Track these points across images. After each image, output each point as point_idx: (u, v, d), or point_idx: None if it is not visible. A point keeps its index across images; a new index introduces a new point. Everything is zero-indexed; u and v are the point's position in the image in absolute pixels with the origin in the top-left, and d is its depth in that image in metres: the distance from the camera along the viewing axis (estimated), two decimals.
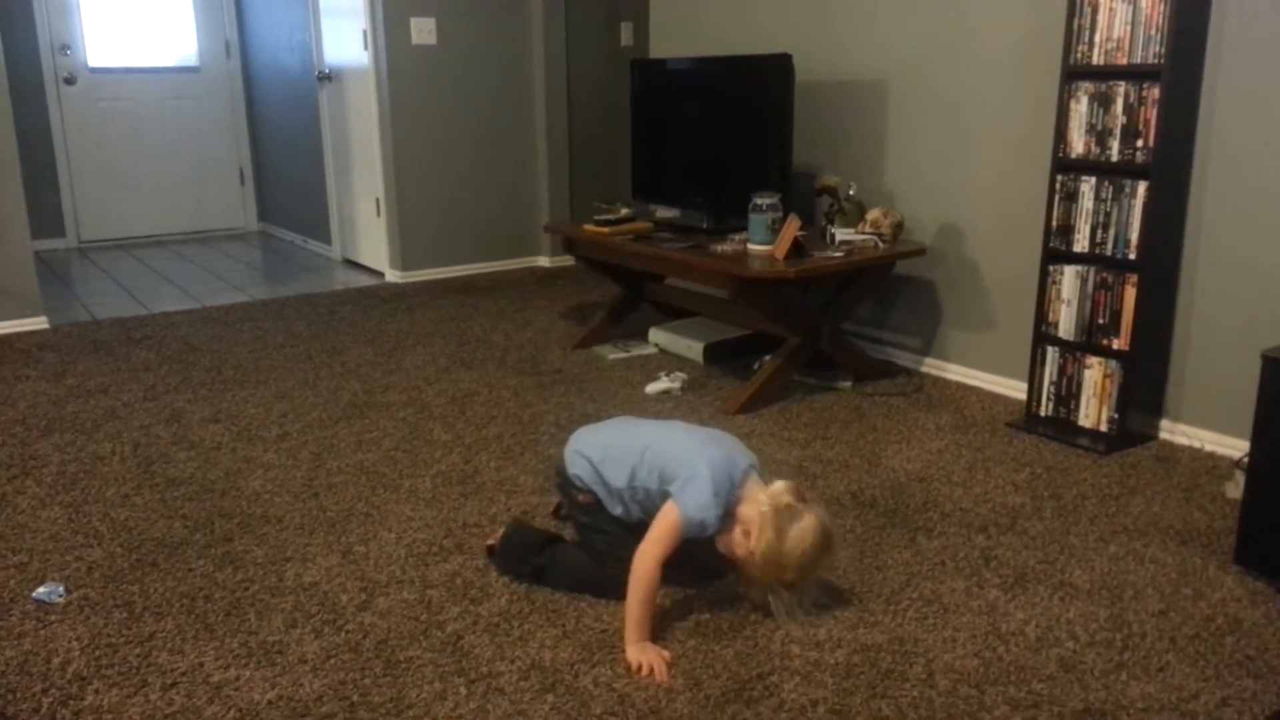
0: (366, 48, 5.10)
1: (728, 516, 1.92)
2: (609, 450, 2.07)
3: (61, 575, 2.16)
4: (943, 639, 1.90)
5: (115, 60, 6.39)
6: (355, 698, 1.73)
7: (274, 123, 6.64)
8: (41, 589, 2.08)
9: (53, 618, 1.99)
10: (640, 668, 1.80)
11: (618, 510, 2.06)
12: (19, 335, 4.14)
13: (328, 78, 5.62)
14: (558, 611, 2.00)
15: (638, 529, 1.98)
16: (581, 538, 2.15)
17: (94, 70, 6.31)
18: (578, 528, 2.17)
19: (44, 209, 6.14)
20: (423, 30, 5.05)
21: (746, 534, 1.89)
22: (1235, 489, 2.45)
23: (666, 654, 1.84)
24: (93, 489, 2.62)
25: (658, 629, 1.92)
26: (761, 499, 1.89)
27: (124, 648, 1.89)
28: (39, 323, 4.26)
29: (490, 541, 2.23)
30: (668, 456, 1.99)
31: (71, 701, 1.73)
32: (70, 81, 6.23)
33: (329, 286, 5.19)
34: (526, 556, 2.12)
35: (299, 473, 2.71)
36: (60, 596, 2.07)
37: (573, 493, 2.11)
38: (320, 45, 5.65)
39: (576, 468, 2.09)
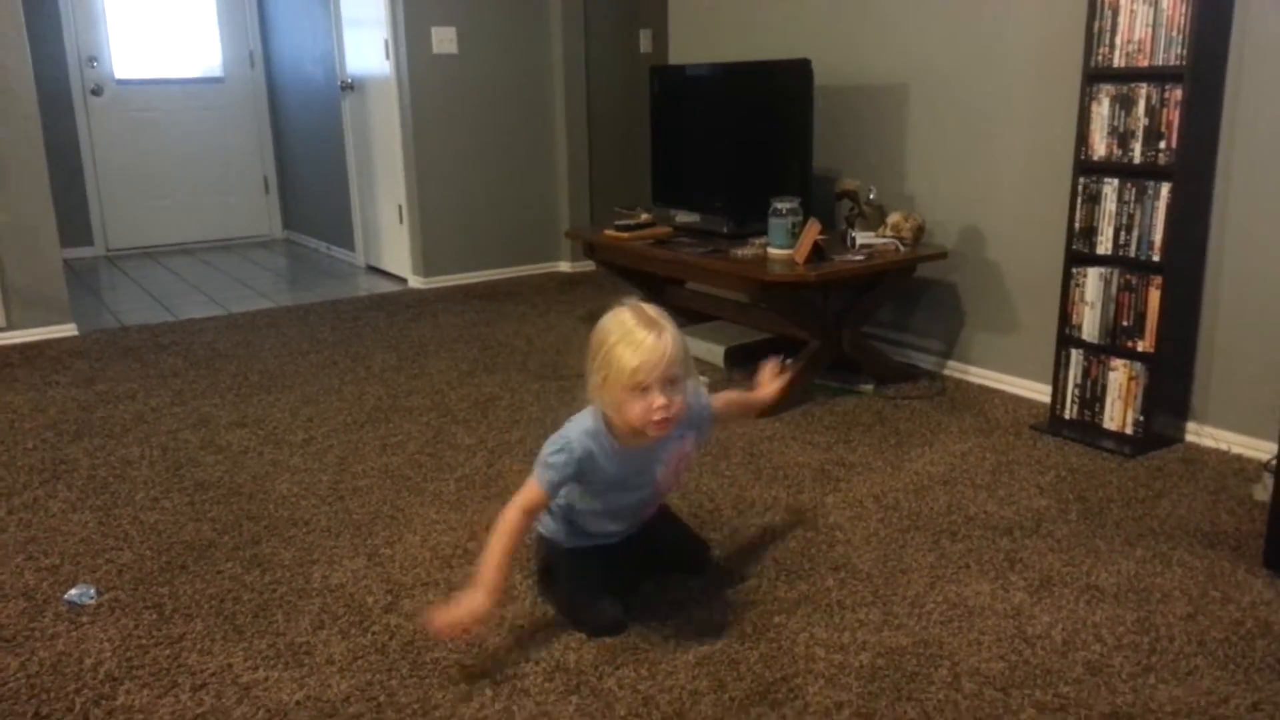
0: (388, 57, 5.14)
1: (604, 435, 1.89)
2: None
3: (92, 578, 2.19)
4: (968, 642, 1.90)
5: (141, 72, 6.48)
6: (382, 698, 1.75)
7: (298, 132, 6.71)
8: (73, 591, 2.11)
9: (84, 619, 2.02)
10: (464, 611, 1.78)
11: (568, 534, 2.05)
12: (49, 342, 4.19)
13: (350, 87, 5.67)
14: None
15: (642, 547, 2.05)
16: (555, 580, 2.10)
17: (121, 81, 6.40)
18: (551, 572, 2.12)
19: (72, 218, 6.22)
20: (443, 39, 5.09)
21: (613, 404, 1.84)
22: (1263, 491, 2.43)
23: (483, 613, 1.79)
24: (122, 493, 2.65)
25: (687, 632, 1.92)
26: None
27: (154, 649, 1.91)
28: (68, 329, 4.32)
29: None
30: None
31: (104, 701, 1.75)
32: (97, 93, 6.31)
33: (353, 293, 5.24)
34: (540, 579, 2.13)
35: (325, 476, 2.74)
36: (91, 598, 2.09)
37: (543, 548, 2.12)
38: (343, 55, 5.70)
39: (540, 525, 2.09)
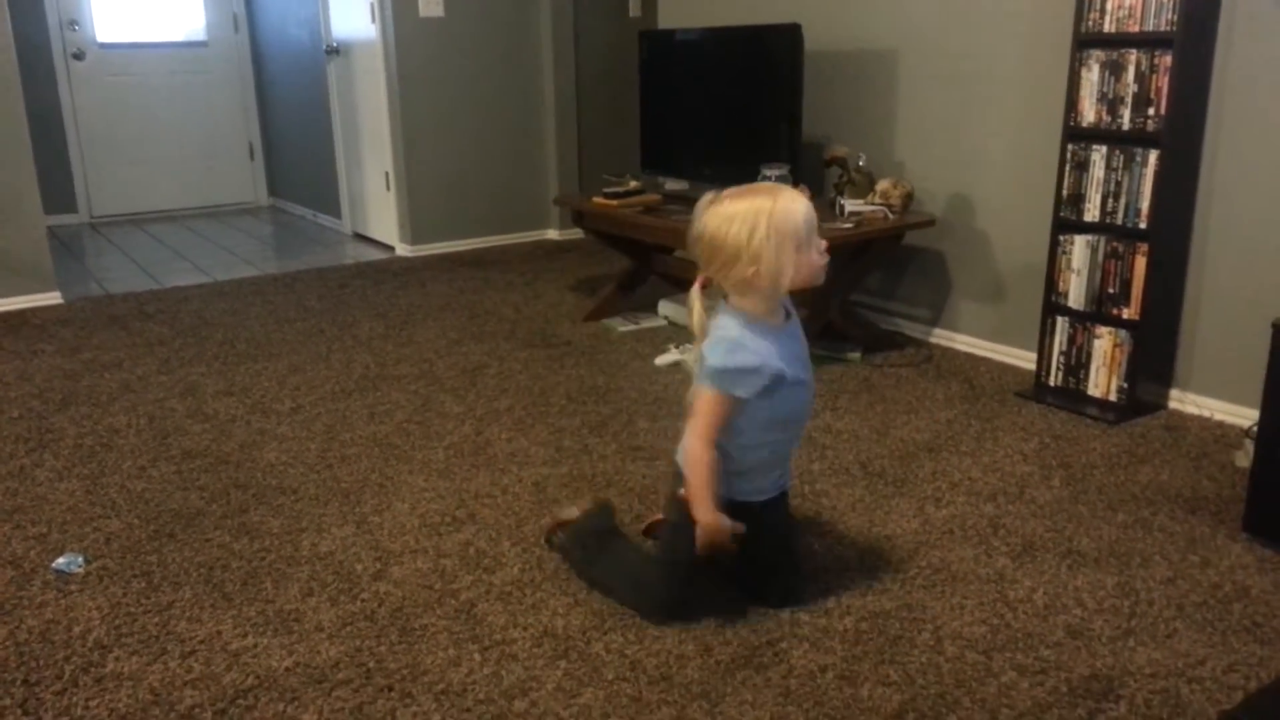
0: (374, 20, 5.08)
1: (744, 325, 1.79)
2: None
3: (80, 546, 2.19)
4: (951, 606, 1.92)
5: (124, 36, 6.39)
6: (371, 664, 1.76)
7: (283, 97, 6.63)
8: (61, 559, 2.12)
9: (73, 588, 2.03)
10: (708, 533, 1.79)
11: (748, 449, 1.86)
12: (34, 310, 4.17)
13: (336, 51, 5.61)
14: (569, 580, 2.03)
15: (757, 551, 1.92)
16: (663, 540, 1.97)
17: (103, 45, 6.31)
18: (668, 529, 1.95)
19: (56, 185, 6.15)
20: (431, 2, 5.03)
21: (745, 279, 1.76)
22: (1244, 458, 2.45)
23: (740, 526, 1.82)
24: (109, 461, 2.65)
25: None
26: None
27: (143, 616, 1.92)
28: (53, 298, 4.29)
29: (562, 518, 2.11)
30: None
31: (93, 669, 1.76)
32: (79, 57, 6.23)
33: (339, 260, 5.21)
34: (584, 541, 2.01)
35: (313, 445, 2.74)
36: (80, 567, 2.10)
37: (676, 486, 1.89)
38: (328, 18, 5.63)
39: (681, 454, 1.88)
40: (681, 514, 1.85)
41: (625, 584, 1.93)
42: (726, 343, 1.77)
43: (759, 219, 1.72)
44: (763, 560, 1.94)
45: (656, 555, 2.00)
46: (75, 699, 1.69)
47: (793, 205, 1.75)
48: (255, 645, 1.82)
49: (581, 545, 2.02)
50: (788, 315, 1.88)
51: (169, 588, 2.02)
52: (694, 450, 1.79)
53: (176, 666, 1.76)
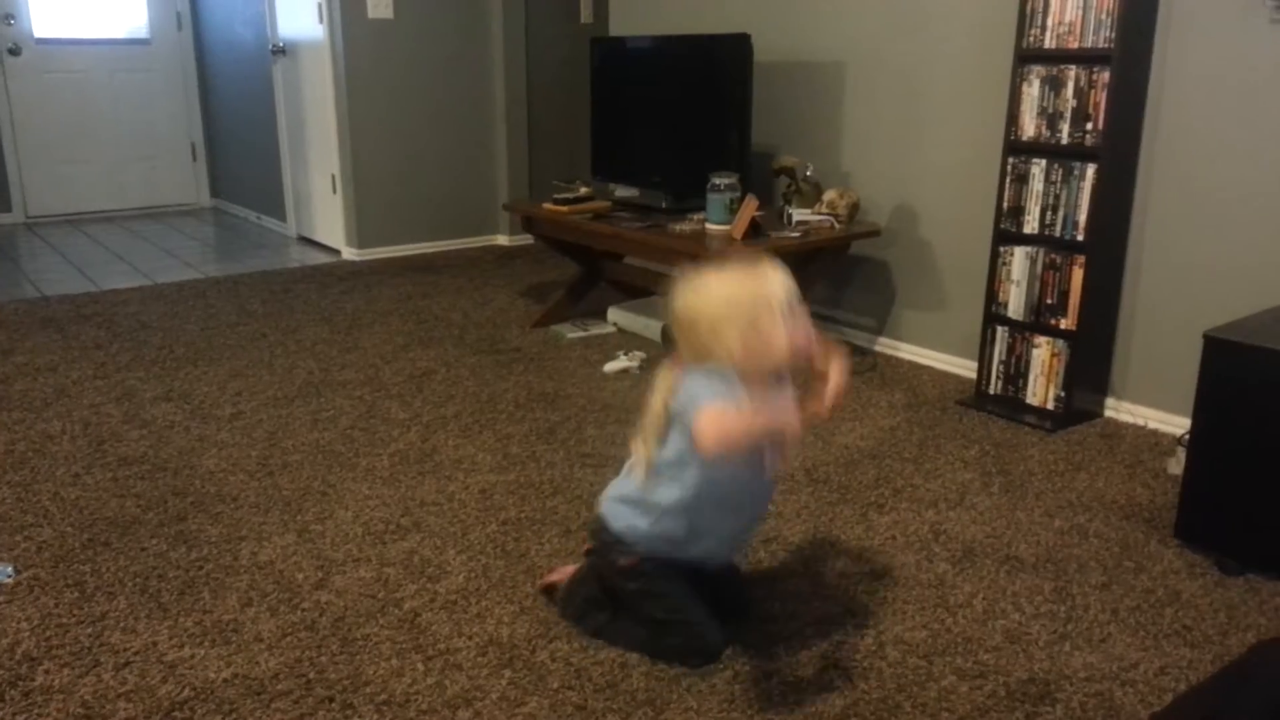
0: (321, 21, 5.02)
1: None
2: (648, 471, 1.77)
3: (10, 555, 2.13)
4: (892, 611, 1.94)
5: (62, 31, 6.23)
6: (312, 675, 1.73)
7: (227, 97, 6.52)
8: None
9: (1, 599, 1.97)
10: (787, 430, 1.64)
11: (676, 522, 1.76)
12: None
13: (282, 51, 5.53)
14: (515, 588, 2.02)
15: (697, 580, 1.82)
16: (631, 606, 1.84)
17: (40, 41, 6.15)
18: (625, 596, 1.84)
19: None
20: (379, 3, 4.98)
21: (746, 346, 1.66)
22: (1177, 465, 2.52)
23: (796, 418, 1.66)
24: (42, 468, 2.58)
25: None
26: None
27: (75, 628, 1.87)
28: None
29: (551, 579, 2.00)
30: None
31: (20, 683, 1.71)
32: (15, 52, 6.06)
33: (284, 264, 5.13)
34: (591, 612, 1.88)
35: (254, 451, 2.69)
36: (9, 577, 2.04)
37: (613, 558, 1.82)
38: (274, 18, 5.55)
39: (620, 521, 1.80)
40: (634, 578, 1.80)
41: (652, 649, 1.81)
42: (697, 381, 1.67)
43: (729, 307, 1.65)
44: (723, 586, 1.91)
45: (635, 620, 1.84)
46: (2, 714, 1.63)
47: (766, 287, 1.65)
48: (192, 656, 1.79)
49: (579, 614, 1.90)
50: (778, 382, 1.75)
51: (103, 598, 1.98)
52: (718, 422, 1.58)
53: (110, 679, 1.72)
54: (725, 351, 1.65)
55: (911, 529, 2.29)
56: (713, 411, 1.59)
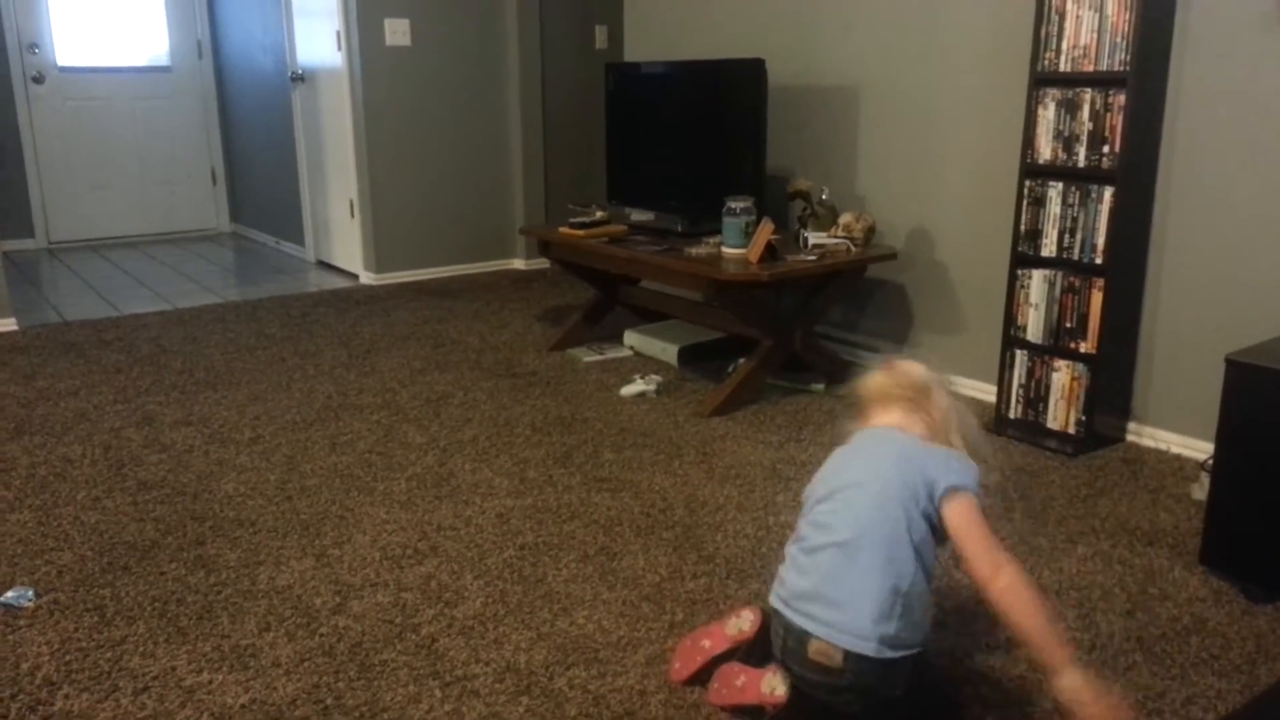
0: (340, 48, 5.07)
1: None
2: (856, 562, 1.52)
3: (31, 579, 2.14)
4: None
5: (85, 59, 6.33)
6: (329, 701, 1.73)
7: (246, 123, 6.60)
8: (10, 593, 2.06)
9: (21, 622, 1.98)
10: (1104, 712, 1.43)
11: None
12: None
13: (301, 78, 5.59)
14: (532, 614, 2.01)
15: (916, 668, 1.54)
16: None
17: (63, 69, 6.24)
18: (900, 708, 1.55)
19: (12, 209, 6.07)
20: (397, 31, 5.04)
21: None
22: (1200, 490, 2.49)
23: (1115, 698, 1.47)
24: (63, 492, 2.59)
25: (639, 631, 1.92)
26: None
27: (95, 652, 1.87)
28: (8, 324, 4.21)
29: (695, 667, 1.76)
30: (907, 476, 1.55)
31: (40, 707, 1.71)
32: (39, 81, 6.16)
33: (302, 288, 5.17)
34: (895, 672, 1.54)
35: (272, 475, 2.70)
36: (29, 601, 2.05)
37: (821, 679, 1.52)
38: (293, 45, 5.62)
39: (902, 633, 1.51)
40: (909, 668, 1.52)
41: None
42: (954, 455, 1.59)
43: (929, 386, 1.68)
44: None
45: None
46: None
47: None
48: (210, 681, 1.78)
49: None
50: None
51: (122, 622, 1.98)
52: (1006, 574, 1.47)
53: (128, 704, 1.72)
54: (949, 434, 1.64)
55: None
56: (1009, 570, 1.47)
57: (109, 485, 2.64)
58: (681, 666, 1.78)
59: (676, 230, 3.70)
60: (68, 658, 1.86)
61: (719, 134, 3.66)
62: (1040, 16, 2.82)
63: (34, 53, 6.13)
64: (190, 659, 1.85)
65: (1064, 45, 2.79)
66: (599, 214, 3.82)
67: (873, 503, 1.55)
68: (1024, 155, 2.91)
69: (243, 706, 1.71)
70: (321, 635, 1.93)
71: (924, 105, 3.40)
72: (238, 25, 6.41)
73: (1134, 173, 2.76)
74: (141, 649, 1.89)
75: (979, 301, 3.34)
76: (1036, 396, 3.01)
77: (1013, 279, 3.00)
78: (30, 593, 2.07)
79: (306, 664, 1.84)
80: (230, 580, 2.14)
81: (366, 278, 5.28)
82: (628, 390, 3.39)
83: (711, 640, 1.78)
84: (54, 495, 2.58)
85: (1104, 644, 1.91)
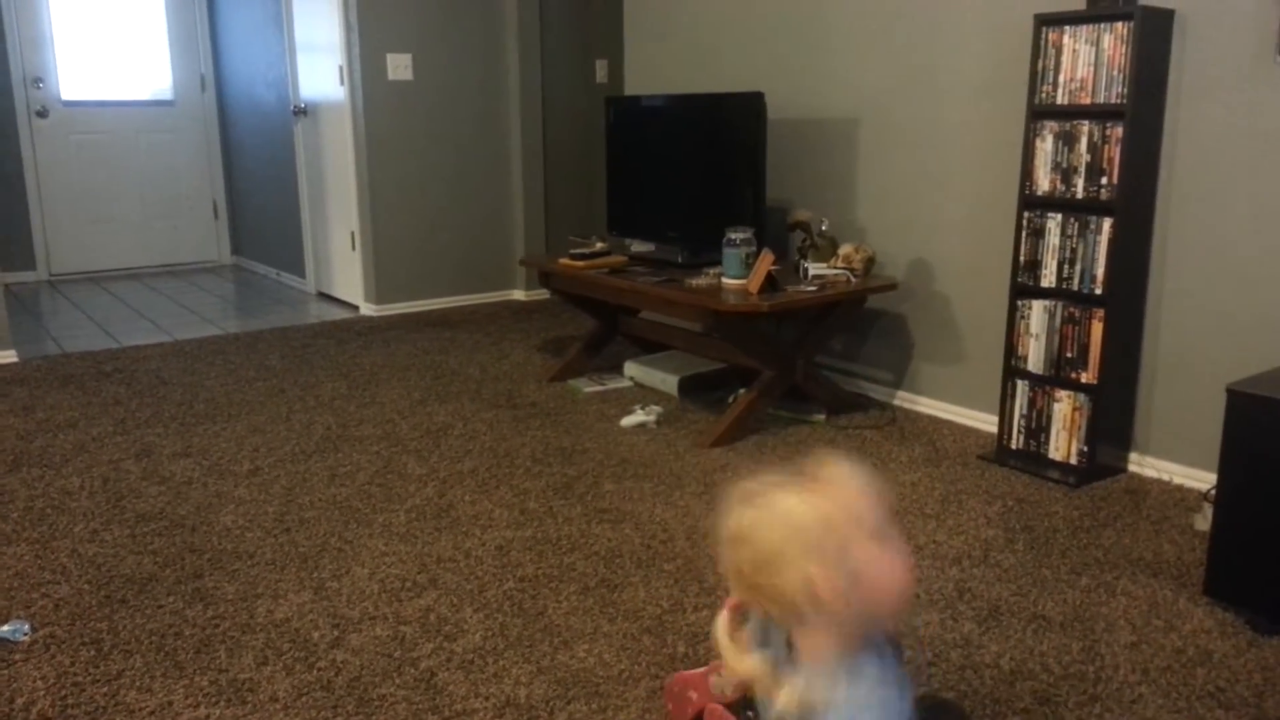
0: (342, 83, 5.12)
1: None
2: None
3: (27, 613, 2.12)
4: (917, 671, 1.90)
5: (89, 93, 6.38)
6: None
7: (249, 156, 6.64)
8: (5, 627, 2.04)
9: (17, 656, 1.96)
10: None
11: None
12: None
13: (303, 112, 5.63)
14: (532, 647, 1.99)
15: None
16: None
17: (67, 103, 6.29)
18: None
19: (14, 242, 6.09)
20: (399, 66, 5.08)
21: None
22: (1203, 521, 2.48)
23: None
24: (61, 525, 2.58)
25: (640, 664, 1.90)
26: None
27: (91, 686, 1.86)
28: (8, 356, 4.21)
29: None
30: None
31: None
32: (43, 114, 6.20)
33: (303, 320, 5.17)
34: None
35: (271, 508, 2.69)
36: (25, 635, 2.03)
37: None
38: (296, 80, 5.66)
39: None
40: None
41: None
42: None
43: (817, 538, 1.27)
44: None
45: None
46: None
47: (849, 503, 1.33)
48: (207, 716, 1.76)
49: None
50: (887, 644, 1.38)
51: (119, 656, 1.96)
52: None
53: None
54: (808, 598, 1.22)
55: (935, 586, 2.25)
56: None
57: (107, 518, 2.62)
58: (676, 710, 1.75)
59: (677, 261, 3.71)
60: (63, 692, 1.84)
61: (719, 166, 3.68)
62: (1037, 50, 2.84)
63: (38, 87, 6.17)
64: (187, 693, 1.83)
65: (1060, 79, 2.81)
66: (599, 245, 3.83)
67: None
68: (1022, 186, 2.93)
69: None
70: (319, 669, 1.91)
71: (923, 137, 3.42)
72: (241, 59, 6.47)
73: (1132, 204, 2.78)
74: (138, 683, 1.87)
75: (979, 332, 3.34)
76: (1038, 427, 3.00)
77: (1013, 309, 3.00)
78: (26, 626, 2.05)
79: (304, 698, 1.82)
80: (228, 613, 2.13)
81: (367, 309, 5.29)
82: (628, 421, 3.38)
83: (698, 694, 1.73)
84: (51, 528, 2.56)
85: (1109, 676, 1.89)
